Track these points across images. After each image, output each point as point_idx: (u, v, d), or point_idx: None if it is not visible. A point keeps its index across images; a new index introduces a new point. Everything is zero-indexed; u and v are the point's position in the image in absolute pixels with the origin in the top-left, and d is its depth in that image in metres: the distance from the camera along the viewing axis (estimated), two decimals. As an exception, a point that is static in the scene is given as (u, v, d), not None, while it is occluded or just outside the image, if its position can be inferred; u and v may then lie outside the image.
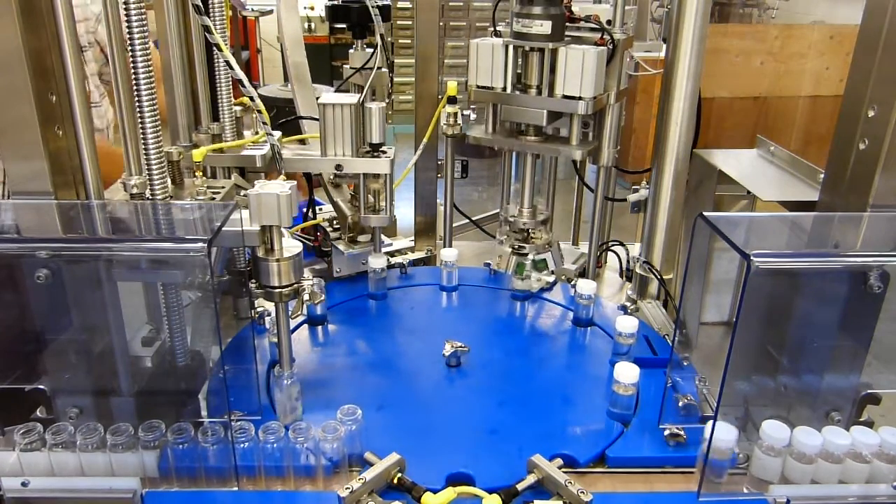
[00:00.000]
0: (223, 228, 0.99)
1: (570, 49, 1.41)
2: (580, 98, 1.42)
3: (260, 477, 1.03)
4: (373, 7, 1.59)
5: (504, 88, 1.50)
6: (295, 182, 1.07)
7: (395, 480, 1.01)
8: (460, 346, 1.31)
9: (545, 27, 1.42)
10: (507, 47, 1.47)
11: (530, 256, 1.60)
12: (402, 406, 1.21)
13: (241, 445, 1.01)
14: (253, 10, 3.20)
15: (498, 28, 1.60)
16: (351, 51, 1.77)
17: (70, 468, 0.99)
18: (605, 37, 1.44)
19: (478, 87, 1.53)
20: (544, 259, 1.64)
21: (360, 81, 1.71)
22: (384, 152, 1.44)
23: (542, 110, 1.48)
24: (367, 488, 0.98)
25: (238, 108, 1.44)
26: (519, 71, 1.51)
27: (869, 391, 1.10)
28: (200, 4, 1.12)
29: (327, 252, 1.65)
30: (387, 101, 1.70)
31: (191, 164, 1.28)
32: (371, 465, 1.02)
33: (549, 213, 1.71)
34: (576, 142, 1.52)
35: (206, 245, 0.92)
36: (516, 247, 1.64)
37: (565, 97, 1.44)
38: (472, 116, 1.74)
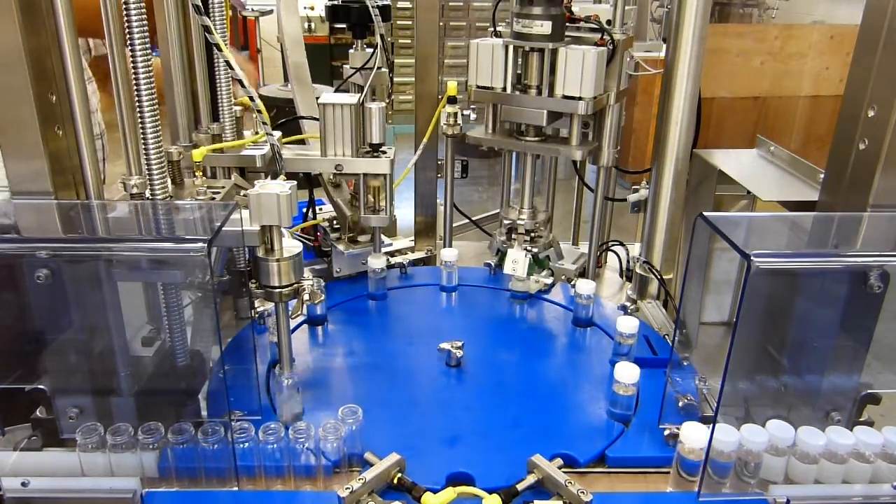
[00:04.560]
0: (223, 229, 0.99)
1: (570, 49, 1.40)
2: (580, 98, 1.42)
3: (260, 477, 1.03)
4: (373, 7, 1.59)
5: (504, 89, 1.50)
6: (295, 182, 1.07)
7: (395, 480, 1.01)
8: (460, 347, 1.31)
9: (545, 27, 1.42)
10: (507, 47, 1.46)
11: (537, 255, 1.58)
12: (402, 406, 1.21)
13: (242, 445, 1.01)
14: (253, 10, 3.20)
15: (498, 28, 1.60)
16: (351, 51, 1.76)
17: (70, 468, 0.99)
18: (605, 37, 1.44)
19: (478, 87, 1.53)
20: (547, 255, 1.64)
21: (360, 81, 1.71)
22: (384, 152, 1.44)
23: (542, 110, 1.48)
24: (367, 488, 0.98)
25: (238, 108, 1.44)
26: (519, 71, 1.51)
27: (869, 391, 1.10)
28: (200, 4, 1.12)
29: (327, 252, 1.65)
30: (387, 101, 1.70)
31: (191, 164, 1.27)
32: (371, 465, 1.02)
33: (550, 212, 1.71)
34: (576, 142, 1.51)
35: (206, 245, 0.92)
36: (518, 247, 1.62)
37: (565, 97, 1.44)
38: (473, 116, 1.74)
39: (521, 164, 1.62)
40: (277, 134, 1.39)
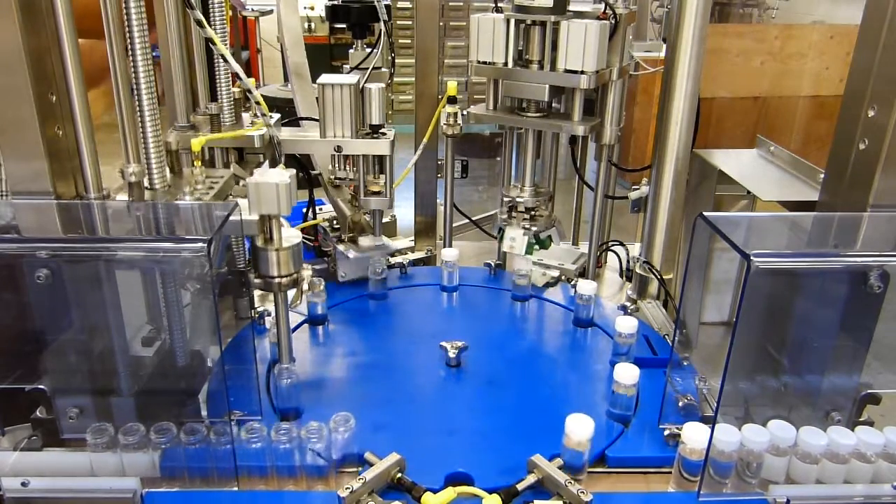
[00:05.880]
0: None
1: (572, 22, 1.38)
2: (582, 72, 1.40)
3: (260, 477, 1.03)
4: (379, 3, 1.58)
5: (505, 63, 1.48)
6: (294, 171, 1.06)
7: (395, 480, 1.01)
8: (460, 347, 1.30)
9: (547, 0, 1.40)
10: (508, 21, 1.45)
11: (538, 234, 1.57)
12: (402, 406, 1.21)
13: (254, 445, 1.01)
14: (253, 10, 3.21)
15: (500, 4, 1.57)
16: (351, 51, 1.77)
17: (70, 468, 0.99)
18: (607, 11, 1.42)
19: (478, 62, 1.51)
20: (549, 236, 1.63)
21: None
22: (384, 133, 1.42)
23: (544, 85, 1.46)
24: (367, 488, 0.98)
25: (237, 90, 1.42)
26: (520, 48, 1.49)
27: (869, 391, 1.10)
28: (202, 18, 1.11)
29: (327, 252, 1.65)
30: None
31: (188, 146, 1.26)
32: (371, 465, 1.02)
33: (552, 190, 1.69)
34: (577, 118, 1.49)
35: (206, 245, 0.92)
36: (517, 224, 1.61)
37: (567, 71, 1.42)
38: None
39: (522, 142, 1.59)
40: (276, 117, 1.37)
